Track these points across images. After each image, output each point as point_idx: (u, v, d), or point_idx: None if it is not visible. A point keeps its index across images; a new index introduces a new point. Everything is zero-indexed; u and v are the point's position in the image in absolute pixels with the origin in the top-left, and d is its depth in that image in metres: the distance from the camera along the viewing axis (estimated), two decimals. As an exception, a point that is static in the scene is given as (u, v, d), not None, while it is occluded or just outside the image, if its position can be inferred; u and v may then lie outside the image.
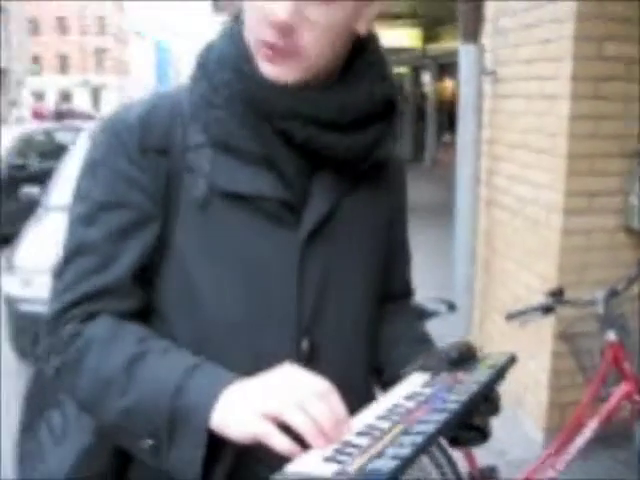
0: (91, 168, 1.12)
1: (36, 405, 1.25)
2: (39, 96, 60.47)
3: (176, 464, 0.97)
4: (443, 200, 7.33)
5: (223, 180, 1.09)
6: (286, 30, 1.01)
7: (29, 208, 6.38)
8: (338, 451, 0.85)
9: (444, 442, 1.11)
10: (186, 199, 1.10)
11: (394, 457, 0.81)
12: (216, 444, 0.96)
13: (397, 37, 16.73)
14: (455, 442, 1.14)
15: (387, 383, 1.23)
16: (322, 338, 1.14)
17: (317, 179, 1.14)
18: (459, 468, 2.85)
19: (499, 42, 4.64)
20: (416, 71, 21.12)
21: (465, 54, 4.76)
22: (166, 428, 0.97)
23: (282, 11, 0.99)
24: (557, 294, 2.95)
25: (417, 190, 14.19)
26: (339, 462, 0.82)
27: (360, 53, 1.13)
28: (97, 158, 1.12)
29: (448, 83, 18.11)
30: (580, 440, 2.88)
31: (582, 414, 2.96)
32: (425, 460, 2.86)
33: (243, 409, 0.93)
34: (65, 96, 66.10)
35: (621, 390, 2.91)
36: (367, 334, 1.25)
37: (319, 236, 1.14)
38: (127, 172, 1.09)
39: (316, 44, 1.04)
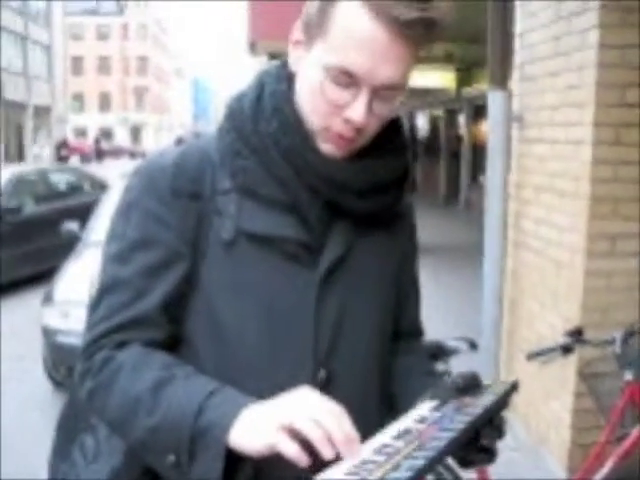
0: (125, 210, 1.22)
1: (69, 430, 1.34)
2: (81, 133, 61.58)
3: (197, 478, 1.06)
4: (475, 242, 7.38)
5: (249, 223, 1.18)
6: (360, 128, 1.15)
7: (69, 244, 6.58)
8: (357, 467, 0.94)
9: (455, 467, 1.22)
10: (214, 239, 1.19)
11: (409, 469, 0.91)
12: (235, 461, 1.05)
13: (432, 78, 16.84)
14: (465, 462, 1.22)
15: (399, 413, 1.27)
16: (337, 369, 1.23)
17: (335, 224, 1.23)
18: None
19: (526, 88, 4.75)
20: (451, 113, 21.14)
21: (493, 99, 4.88)
22: (188, 444, 1.06)
23: (360, 116, 1.12)
24: (576, 334, 3.03)
25: (450, 232, 14.24)
26: (359, 476, 0.92)
27: (388, 129, 1.24)
28: (131, 200, 1.22)
29: (483, 125, 18.09)
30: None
31: (599, 453, 3.01)
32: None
33: (259, 423, 1.02)
34: (106, 133, 67.26)
35: (638, 430, 2.96)
36: (380, 367, 1.33)
37: (335, 275, 1.22)
38: (158, 213, 1.18)
39: (373, 130, 1.18)
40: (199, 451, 1.05)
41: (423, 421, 1.10)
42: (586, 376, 3.22)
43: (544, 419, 4.32)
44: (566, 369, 3.91)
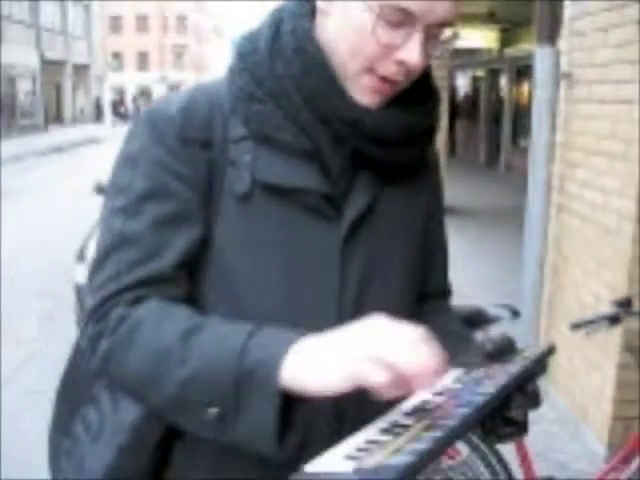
0: (130, 160, 1.11)
1: (70, 402, 1.23)
2: (119, 91, 61.81)
3: (246, 430, 0.95)
4: (516, 206, 7.20)
5: (266, 173, 1.09)
6: (411, 71, 1.07)
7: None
8: (359, 449, 0.84)
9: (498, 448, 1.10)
10: (227, 193, 1.10)
11: (411, 453, 0.80)
12: (288, 408, 0.95)
13: (473, 38, 16.52)
14: (491, 436, 1.11)
15: None
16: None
17: (359, 176, 1.15)
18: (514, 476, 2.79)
19: (575, 45, 4.54)
20: (493, 74, 20.82)
21: (541, 57, 4.67)
22: (233, 391, 0.95)
23: (416, 58, 1.04)
24: (625, 304, 2.86)
25: (490, 196, 14.05)
26: (358, 459, 0.81)
27: (421, 78, 1.15)
28: (135, 150, 1.11)
29: (525, 86, 17.80)
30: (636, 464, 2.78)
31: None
32: (479, 463, 2.82)
33: (328, 355, 0.93)
34: (144, 92, 67.46)
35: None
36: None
37: (360, 230, 1.15)
38: (168, 162, 1.09)
39: (418, 73, 1.10)
40: (247, 397, 0.94)
41: (443, 394, 1.00)
42: (635, 348, 3.06)
43: (585, 391, 4.18)
44: (610, 340, 3.76)
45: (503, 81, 19.83)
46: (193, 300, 1.12)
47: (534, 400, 1.10)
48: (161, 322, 1.02)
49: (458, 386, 1.01)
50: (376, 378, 0.88)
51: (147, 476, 1.17)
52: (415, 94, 1.15)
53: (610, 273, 3.95)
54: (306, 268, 1.11)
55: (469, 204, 11.34)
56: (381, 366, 0.89)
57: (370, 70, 1.07)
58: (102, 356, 1.05)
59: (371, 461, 0.79)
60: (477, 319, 2.80)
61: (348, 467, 0.79)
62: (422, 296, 1.33)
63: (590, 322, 2.86)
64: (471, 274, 7.24)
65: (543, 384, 4.69)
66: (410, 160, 1.19)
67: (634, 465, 2.79)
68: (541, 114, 4.69)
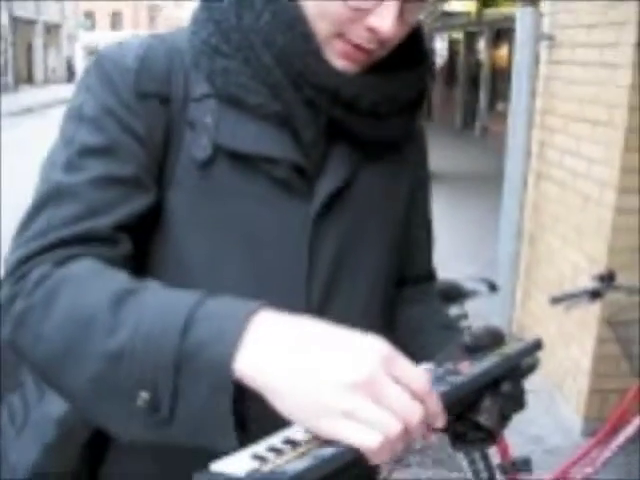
0: (76, 111, 0.96)
1: None
2: (91, 51, 60.85)
3: (184, 424, 0.74)
4: (492, 170, 7.09)
5: (229, 137, 0.95)
6: (385, 40, 0.94)
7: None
8: (271, 448, 0.68)
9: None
10: (185, 159, 0.96)
11: (315, 457, 0.66)
12: (240, 395, 0.74)
13: (451, 1, 16.32)
14: (457, 441, 0.96)
15: None
16: (332, 320, 0.95)
17: (336, 148, 1.01)
18: (491, 461, 2.68)
19: (559, 6, 4.40)
20: (470, 37, 20.66)
21: (522, 17, 4.50)
22: (172, 373, 0.73)
23: (388, 25, 0.91)
24: (607, 278, 2.74)
25: (466, 160, 13.99)
26: (263, 461, 0.66)
27: (410, 42, 1.03)
28: (84, 100, 0.96)
29: (504, 50, 17.67)
30: (622, 437, 2.68)
31: (627, 409, 2.76)
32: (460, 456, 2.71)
33: (306, 368, 0.71)
34: (118, 52, 66.44)
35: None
36: (382, 319, 1.11)
37: (333, 208, 1.01)
38: (120, 115, 0.93)
39: (397, 41, 0.97)
40: (189, 382, 0.73)
41: None
42: (615, 323, 2.95)
43: (561, 364, 4.09)
44: (588, 312, 3.65)
45: (481, 45, 19.70)
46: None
47: (514, 403, 0.94)
48: (89, 283, 0.83)
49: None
50: (366, 443, 0.68)
51: (80, 475, 1.03)
52: (401, 59, 1.02)
53: (590, 243, 3.84)
54: (271, 249, 0.98)
55: (443, 168, 11.19)
56: (376, 428, 0.68)
57: (340, 35, 0.94)
58: (14, 321, 0.84)
59: (270, 465, 0.65)
60: (453, 294, 2.68)
61: (245, 469, 0.65)
62: (403, 280, 1.19)
63: (570, 296, 2.76)
64: (445, 241, 7.12)
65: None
66: (393, 133, 1.06)
67: (613, 445, 2.69)
68: (521, 77, 4.54)
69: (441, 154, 13.01)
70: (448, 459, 2.84)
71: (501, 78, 17.25)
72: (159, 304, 0.78)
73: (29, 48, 39.57)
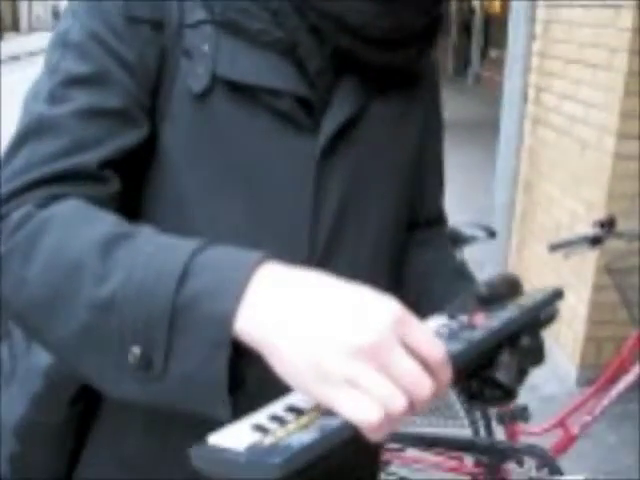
0: (61, 37, 0.88)
1: None
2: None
3: (178, 384, 0.68)
4: (485, 118, 7.00)
5: (228, 67, 0.87)
6: None
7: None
8: (274, 417, 0.63)
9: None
10: (180, 91, 0.88)
11: (321, 429, 0.59)
12: (238, 355, 0.67)
13: (446, -56, 15.99)
14: (473, 399, 0.90)
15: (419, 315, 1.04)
16: (338, 268, 0.86)
17: (343, 80, 0.93)
18: (488, 410, 2.66)
19: (558, -55, 4.25)
20: (464, -18, 20.33)
21: (520, -42, 4.38)
22: (166, 325, 0.67)
23: None
24: (607, 225, 2.69)
25: (458, 107, 13.83)
26: (264, 432, 0.60)
27: None
28: (69, 26, 0.88)
29: (496, -4, 17.41)
30: (622, 385, 2.66)
31: (626, 357, 2.74)
32: (457, 405, 2.69)
33: (310, 327, 0.64)
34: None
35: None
36: (391, 263, 1.05)
37: (340, 144, 0.93)
38: (108, 42, 0.86)
39: None
40: (184, 336, 0.67)
41: None
42: (615, 270, 2.91)
43: (557, 311, 4.06)
44: (585, 260, 3.62)
45: (474, -10, 19.39)
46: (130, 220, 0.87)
47: (534, 357, 0.88)
48: (75, 225, 0.76)
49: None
50: (364, 416, 0.60)
51: (69, 428, 0.97)
52: None
53: (588, 190, 3.78)
54: (273, 189, 0.91)
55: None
56: (379, 400, 0.61)
57: None
58: None
59: (272, 438, 0.59)
60: (451, 239, 2.61)
61: (245, 442, 0.59)
62: (413, 223, 1.12)
63: (569, 242, 2.71)
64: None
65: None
66: (404, 64, 0.98)
67: (612, 393, 2.67)
68: (519, 20, 4.43)
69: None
70: (444, 407, 2.81)
71: (494, 25, 17.03)
72: (154, 250, 0.71)
73: (13, -5, 38.83)
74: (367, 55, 0.92)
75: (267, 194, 0.90)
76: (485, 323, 0.82)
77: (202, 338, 0.66)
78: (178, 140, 0.89)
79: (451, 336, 0.78)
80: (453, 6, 20.97)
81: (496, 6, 17.39)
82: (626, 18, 3.38)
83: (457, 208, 6.56)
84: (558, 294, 0.92)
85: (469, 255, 2.80)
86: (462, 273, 1.09)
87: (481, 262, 4.37)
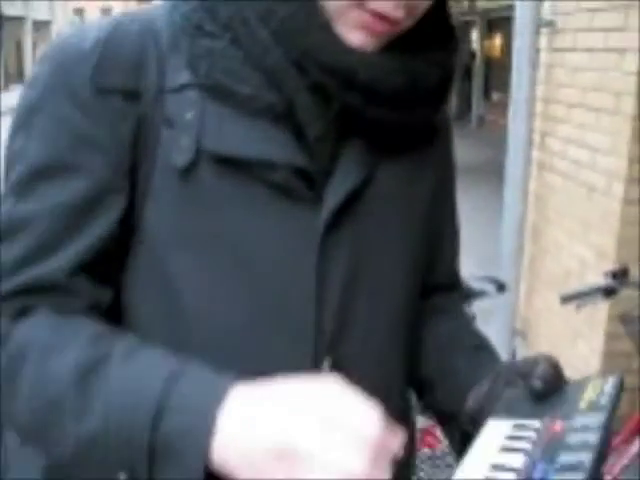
0: (25, 115, 0.81)
1: None
2: (83, 48, 60.69)
3: None
4: (489, 163, 6.94)
5: (214, 137, 0.79)
6: (417, 5, 0.80)
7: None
8: None
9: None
10: (162, 163, 0.80)
11: None
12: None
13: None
14: None
15: (438, 404, 0.98)
16: (349, 351, 0.86)
17: (347, 145, 0.85)
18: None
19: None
20: (463, 27, 20.52)
21: (521, 4, 4.34)
22: (146, 459, 0.69)
23: (391, 7, 0.78)
24: (620, 275, 2.60)
25: (462, 150, 13.73)
26: None
27: (433, 16, 0.87)
28: (33, 101, 0.81)
29: (497, 40, 17.54)
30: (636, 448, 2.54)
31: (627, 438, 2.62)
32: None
33: (253, 440, 0.67)
34: (109, 49, 66.29)
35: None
36: (406, 339, 0.96)
37: (346, 218, 0.85)
38: (75, 121, 0.79)
39: (419, 14, 0.82)
40: (163, 469, 0.70)
41: (500, 470, 0.70)
42: (629, 319, 2.81)
43: (569, 362, 3.94)
44: (597, 308, 3.51)
45: (474, 34, 19.57)
46: (124, 310, 0.85)
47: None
48: (52, 350, 0.76)
49: (518, 461, 0.71)
50: None
51: None
52: (424, 36, 0.86)
53: (597, 236, 3.70)
54: (271, 271, 0.82)
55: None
56: None
57: (359, 4, 0.78)
58: None
59: None
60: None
61: None
62: (426, 290, 1.03)
63: (582, 294, 2.62)
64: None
65: (521, 352, 4.48)
66: (417, 124, 0.90)
67: (630, 453, 2.55)
68: (521, 65, 4.38)
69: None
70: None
71: (495, 68, 17.14)
72: (127, 381, 0.73)
73: (18, 46, 39.30)
74: (376, 116, 0.83)
75: (264, 277, 0.82)
76: (575, 436, 0.71)
77: (179, 470, 0.68)
78: (163, 219, 0.81)
79: (548, 459, 0.69)
80: None
81: (496, 49, 17.53)
82: (632, 61, 3.33)
83: (464, 254, 6.44)
84: (621, 383, 0.80)
85: (476, 304, 2.72)
86: (483, 346, 1.00)
87: (489, 311, 4.26)
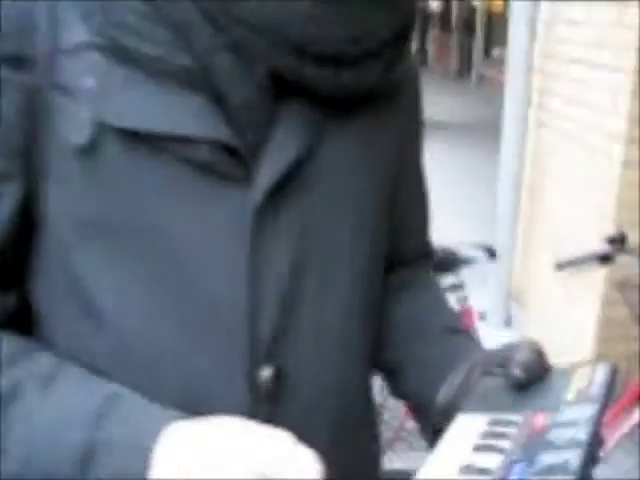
0: None
1: None
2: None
3: None
4: (488, 121, 6.80)
5: (119, 109, 0.66)
6: None
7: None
8: None
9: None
10: (60, 142, 0.67)
11: None
12: None
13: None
14: None
15: (407, 394, 0.88)
16: (295, 356, 0.75)
17: (283, 110, 0.71)
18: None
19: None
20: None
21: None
22: None
23: None
24: (618, 241, 2.49)
25: (460, 108, 13.62)
26: None
27: None
28: None
29: (498, -6, 17.30)
30: (636, 417, 2.46)
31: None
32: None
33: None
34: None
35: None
36: (367, 327, 0.84)
37: (285, 199, 0.72)
38: None
39: None
40: None
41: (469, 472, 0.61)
42: (625, 287, 2.72)
43: (563, 330, 3.86)
44: (594, 274, 3.41)
45: (476, -12, 19.32)
46: (32, 311, 0.75)
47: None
48: None
49: (504, 459, 0.61)
50: None
51: None
52: None
53: (595, 198, 3.59)
54: (196, 268, 0.70)
55: (438, 116, 10.85)
56: None
57: None
58: None
59: None
60: (448, 262, 2.43)
61: None
62: (392, 262, 0.91)
63: (577, 261, 2.53)
64: (440, 192, 6.89)
65: (517, 318, 4.40)
66: (368, 85, 0.75)
67: (624, 426, 2.46)
68: (520, 19, 4.22)
69: (436, 102, 12.73)
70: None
71: (496, 24, 16.91)
72: (48, 429, 0.65)
73: None
74: (317, 79, 0.69)
75: (189, 274, 0.70)
76: (561, 432, 0.61)
77: None
78: (66, 209, 0.68)
79: (528, 458, 0.59)
80: (454, 5, 20.97)
81: (499, 5, 17.26)
82: (634, 16, 3.19)
83: (460, 213, 6.38)
84: (614, 371, 0.69)
85: (467, 271, 2.60)
86: (456, 328, 0.89)
87: (482, 276, 4.14)
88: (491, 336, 3.82)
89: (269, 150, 0.70)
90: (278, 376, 0.72)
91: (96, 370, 0.69)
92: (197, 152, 0.67)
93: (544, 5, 4.26)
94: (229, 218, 0.69)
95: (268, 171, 0.69)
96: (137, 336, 0.70)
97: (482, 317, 3.97)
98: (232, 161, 0.68)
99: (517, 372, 0.69)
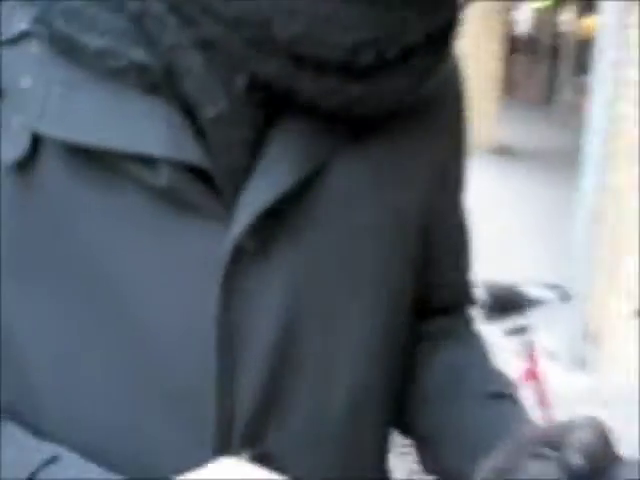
0: None
1: None
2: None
3: None
4: (572, 151, 6.59)
5: (60, 117, 0.54)
6: None
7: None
8: None
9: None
10: None
11: None
12: None
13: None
14: None
15: (437, 471, 0.73)
16: (285, 436, 0.61)
17: (277, 128, 0.57)
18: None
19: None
20: (555, 5, 20.09)
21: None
22: None
23: None
24: None
25: (543, 137, 13.34)
26: None
27: None
28: None
29: (590, 20, 17.08)
30: None
31: None
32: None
33: None
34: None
35: None
36: (386, 392, 0.70)
37: (274, 237, 0.58)
38: None
39: None
40: None
41: None
42: None
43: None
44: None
45: (567, 13, 19.16)
46: None
47: None
48: None
49: None
50: None
51: None
52: None
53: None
54: (155, 323, 0.57)
55: (520, 144, 10.63)
56: None
57: None
58: None
59: None
60: (513, 303, 2.25)
61: None
62: (424, 311, 0.77)
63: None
64: (511, 227, 6.68)
65: (591, 355, 4.15)
66: (387, 101, 0.59)
67: None
68: (604, 44, 4.02)
69: (519, 129, 12.53)
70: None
71: (587, 49, 16.73)
72: None
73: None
74: (315, 91, 0.55)
75: (143, 327, 0.57)
76: None
77: None
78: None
79: None
80: (545, 29, 20.93)
81: (589, 30, 17.02)
82: None
83: (533, 244, 6.13)
84: None
85: (536, 311, 2.40)
86: (502, 393, 0.72)
87: (549, 323, 3.85)
88: (561, 378, 3.60)
89: (254, 178, 0.56)
90: (261, 460, 0.57)
91: (39, 431, 0.59)
92: (156, 175, 0.53)
93: (633, 28, 4.03)
94: (197, 261, 0.56)
95: (250, 203, 0.55)
96: (75, 410, 0.59)
97: (552, 357, 3.74)
98: (203, 189, 0.55)
99: (575, 458, 0.53)
